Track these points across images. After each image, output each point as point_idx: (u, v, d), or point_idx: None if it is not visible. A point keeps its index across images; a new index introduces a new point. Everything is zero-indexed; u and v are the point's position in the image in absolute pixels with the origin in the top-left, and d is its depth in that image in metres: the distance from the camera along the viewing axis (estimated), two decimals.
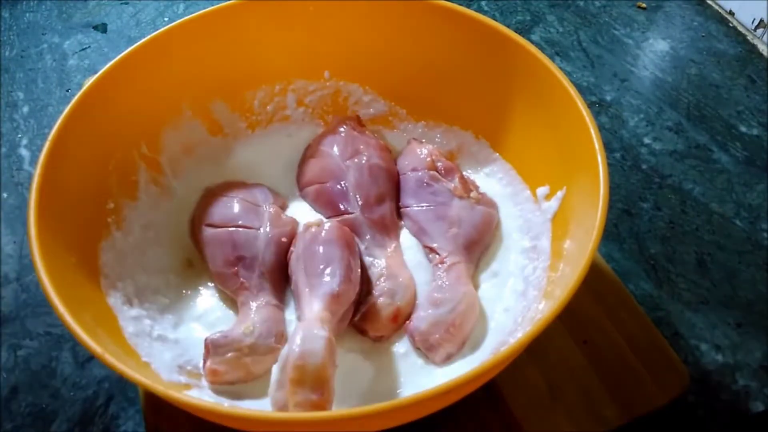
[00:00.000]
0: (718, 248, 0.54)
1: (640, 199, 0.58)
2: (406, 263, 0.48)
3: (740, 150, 0.62)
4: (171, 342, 0.43)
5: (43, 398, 0.46)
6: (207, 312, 0.47)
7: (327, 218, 0.50)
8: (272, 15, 0.52)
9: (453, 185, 0.50)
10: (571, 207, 0.44)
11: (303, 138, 0.56)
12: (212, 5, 0.51)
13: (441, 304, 0.44)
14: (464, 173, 0.53)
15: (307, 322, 0.39)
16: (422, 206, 0.50)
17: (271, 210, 0.49)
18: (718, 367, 0.48)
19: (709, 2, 0.78)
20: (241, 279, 0.45)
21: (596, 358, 0.45)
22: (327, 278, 0.42)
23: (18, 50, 0.74)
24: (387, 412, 0.32)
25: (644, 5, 0.78)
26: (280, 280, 0.47)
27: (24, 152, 0.63)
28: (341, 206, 0.50)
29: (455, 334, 0.44)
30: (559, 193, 0.46)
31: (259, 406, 0.40)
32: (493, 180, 0.53)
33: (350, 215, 0.50)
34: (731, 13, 0.76)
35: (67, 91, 0.69)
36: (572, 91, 0.44)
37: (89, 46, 0.74)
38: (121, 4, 0.80)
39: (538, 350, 0.44)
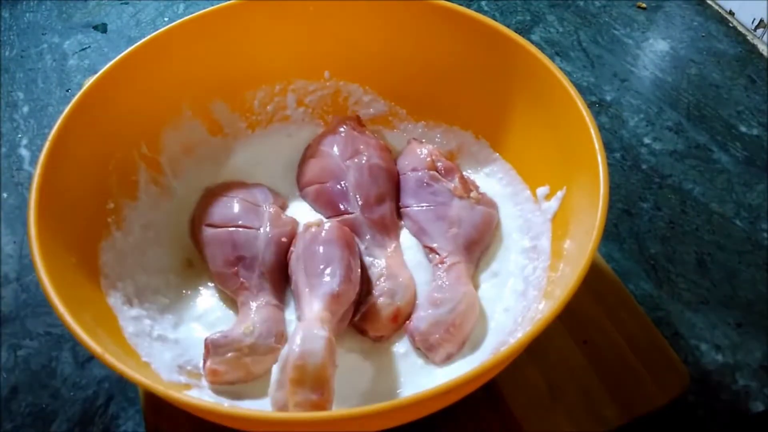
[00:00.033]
0: (718, 248, 0.54)
1: (640, 199, 0.58)
2: (406, 263, 0.48)
3: (740, 150, 0.62)
4: (171, 342, 0.43)
5: (43, 398, 0.46)
6: (207, 312, 0.47)
7: (327, 218, 0.50)
8: (272, 15, 0.52)
9: (453, 185, 0.50)
10: (571, 207, 0.44)
11: (303, 138, 0.56)
12: (212, 5, 0.51)
13: (441, 304, 0.44)
14: (464, 173, 0.53)
15: (307, 322, 0.39)
16: (422, 206, 0.50)
17: (271, 210, 0.49)
18: (718, 367, 0.48)
19: (709, 2, 0.78)
20: (241, 279, 0.45)
21: (596, 358, 0.45)
22: (327, 278, 0.42)
23: (18, 50, 0.74)
24: (387, 412, 0.32)
25: (644, 5, 0.78)
26: (280, 280, 0.47)
27: (24, 152, 0.63)
28: (341, 206, 0.50)
29: (455, 334, 0.44)
30: (559, 193, 0.46)
31: (259, 406, 0.40)
32: (493, 180, 0.53)
33: (350, 215, 0.50)
34: (731, 13, 0.76)
35: (67, 91, 0.69)
36: (572, 91, 0.44)
37: (89, 46, 0.74)
38: (121, 4, 0.80)
39: (538, 350, 0.44)
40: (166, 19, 0.77)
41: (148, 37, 0.48)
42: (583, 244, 0.38)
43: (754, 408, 0.46)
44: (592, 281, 0.43)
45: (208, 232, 0.48)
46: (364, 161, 0.51)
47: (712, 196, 0.58)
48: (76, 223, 0.42)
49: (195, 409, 0.33)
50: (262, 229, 0.47)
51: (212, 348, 0.42)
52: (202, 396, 0.41)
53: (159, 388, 0.33)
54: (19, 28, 0.77)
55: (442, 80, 0.54)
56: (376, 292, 0.45)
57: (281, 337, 0.44)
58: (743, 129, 0.64)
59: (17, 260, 0.54)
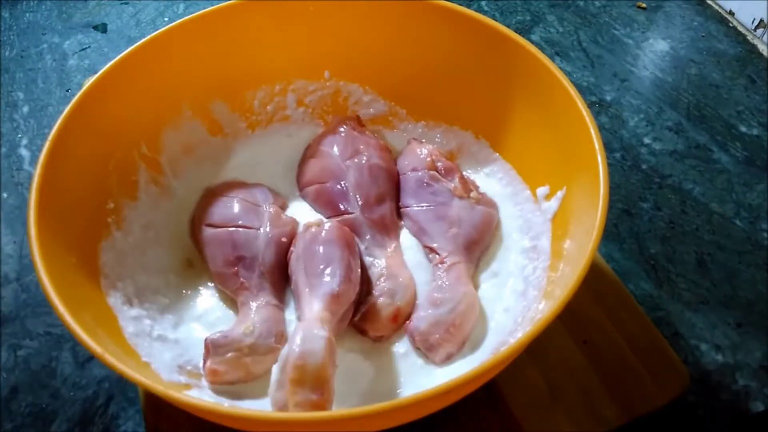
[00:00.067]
0: (718, 248, 0.54)
1: (640, 199, 0.58)
2: (406, 263, 0.48)
3: (740, 150, 0.62)
4: (171, 342, 0.43)
5: (43, 398, 0.46)
6: (207, 312, 0.47)
7: (327, 218, 0.50)
8: (272, 15, 0.52)
9: (453, 185, 0.50)
10: (571, 207, 0.44)
11: (303, 138, 0.56)
12: (212, 5, 0.51)
13: (441, 304, 0.44)
14: (464, 173, 0.53)
15: (307, 322, 0.39)
16: (422, 206, 0.50)
17: (271, 210, 0.49)
18: (718, 367, 0.48)
19: (709, 2, 0.78)
20: (241, 279, 0.45)
21: (596, 358, 0.45)
22: (327, 278, 0.42)
23: (18, 50, 0.74)
24: (387, 412, 0.32)
25: (644, 5, 0.78)
26: (280, 280, 0.47)
27: (24, 152, 0.63)
28: (341, 206, 0.50)
29: (455, 334, 0.44)
30: (559, 193, 0.46)
31: (259, 406, 0.40)
32: (493, 180, 0.53)
33: (350, 215, 0.50)
34: (731, 13, 0.76)
35: (67, 91, 0.69)
36: (572, 91, 0.44)
37: (89, 46, 0.74)
38: (121, 4, 0.80)
39: (538, 350, 0.44)
40: (166, 19, 0.77)
41: (148, 37, 0.48)
42: (583, 244, 0.38)
43: (754, 408, 0.46)
44: (592, 281, 0.43)
45: (208, 232, 0.48)
46: (364, 161, 0.51)
47: (712, 196, 0.58)
48: (76, 223, 0.42)
49: (195, 409, 0.33)
50: (262, 229, 0.47)
51: (212, 348, 0.42)
52: (202, 396, 0.41)
53: (159, 388, 0.33)
54: (19, 28, 0.77)
55: (442, 80, 0.54)
56: (376, 292, 0.45)
57: (281, 337, 0.44)
58: (743, 129, 0.64)
59: (17, 260, 0.54)
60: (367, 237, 0.49)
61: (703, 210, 0.57)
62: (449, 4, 0.50)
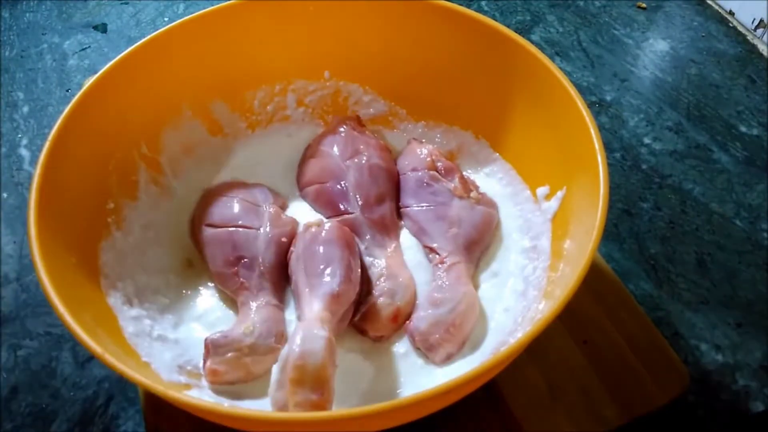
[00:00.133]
0: (718, 248, 0.54)
1: (640, 199, 0.58)
2: (406, 263, 0.48)
3: (740, 150, 0.62)
4: (171, 342, 0.43)
5: (43, 398, 0.46)
6: (207, 312, 0.47)
7: (327, 218, 0.50)
8: (272, 15, 0.52)
9: (453, 185, 0.50)
10: (571, 207, 0.44)
11: (303, 138, 0.56)
12: (212, 5, 0.51)
13: (441, 304, 0.44)
14: (464, 173, 0.53)
15: (307, 322, 0.39)
16: (422, 206, 0.50)
17: (271, 210, 0.49)
18: (718, 367, 0.48)
19: (709, 2, 0.78)
20: (241, 279, 0.45)
21: (596, 358, 0.45)
22: (327, 278, 0.42)
23: (18, 50, 0.74)
24: (387, 412, 0.32)
25: (644, 5, 0.78)
26: (280, 280, 0.47)
27: (24, 152, 0.63)
28: (341, 206, 0.50)
29: (455, 334, 0.44)
30: (559, 193, 0.46)
31: (259, 406, 0.40)
32: (493, 180, 0.53)
33: (350, 215, 0.50)
34: (731, 13, 0.76)
35: (67, 91, 0.69)
36: (572, 91, 0.44)
37: (89, 46, 0.74)
38: (121, 4, 0.80)
39: (538, 350, 0.44)
40: (166, 19, 0.77)
41: (148, 37, 0.48)
42: (583, 244, 0.38)
43: (754, 408, 0.46)
44: (592, 281, 0.43)
45: (208, 232, 0.48)
46: (364, 161, 0.51)
47: (712, 196, 0.58)
48: (76, 223, 0.42)
49: (195, 409, 0.33)
50: (262, 229, 0.47)
51: (212, 348, 0.42)
52: (202, 396, 0.41)
53: (159, 388, 0.33)
54: (19, 28, 0.77)
55: (442, 80, 0.54)
56: (376, 292, 0.45)
57: (281, 337, 0.44)
58: (743, 129, 0.64)
59: (17, 260, 0.54)
60: (367, 237, 0.49)
61: (703, 210, 0.57)
62: (449, 4, 0.50)
